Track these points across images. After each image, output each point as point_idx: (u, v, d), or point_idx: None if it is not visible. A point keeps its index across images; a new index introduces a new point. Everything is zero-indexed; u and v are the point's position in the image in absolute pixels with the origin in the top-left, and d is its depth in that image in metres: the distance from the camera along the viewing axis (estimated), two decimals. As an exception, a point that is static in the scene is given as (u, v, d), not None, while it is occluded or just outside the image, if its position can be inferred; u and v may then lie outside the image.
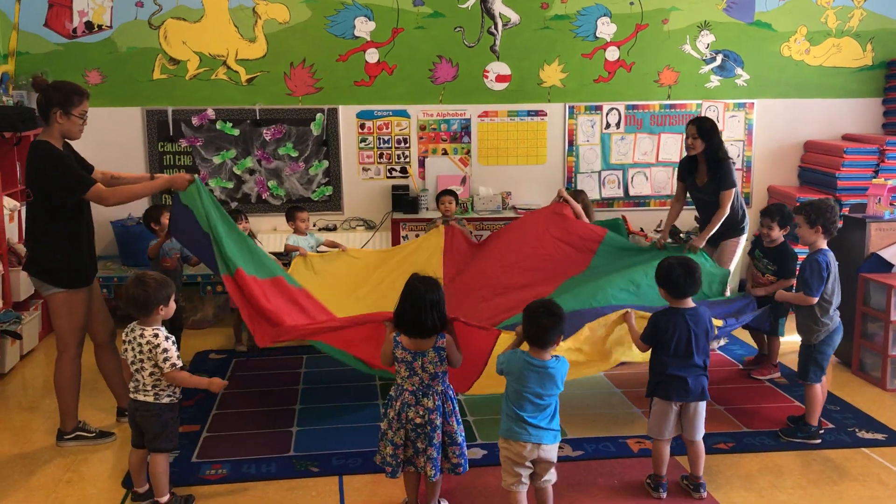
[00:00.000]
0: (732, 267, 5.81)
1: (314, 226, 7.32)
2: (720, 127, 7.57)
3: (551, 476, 3.58)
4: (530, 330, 3.50)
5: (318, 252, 6.23)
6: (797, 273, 4.70)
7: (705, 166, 5.72)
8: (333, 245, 6.32)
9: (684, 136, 5.80)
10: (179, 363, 3.77)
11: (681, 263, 3.94)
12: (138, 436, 3.85)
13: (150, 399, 3.77)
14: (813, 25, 7.60)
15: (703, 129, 5.64)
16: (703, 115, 5.77)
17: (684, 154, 5.91)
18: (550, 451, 3.52)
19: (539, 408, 3.48)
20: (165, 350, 3.72)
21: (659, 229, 6.81)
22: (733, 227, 5.73)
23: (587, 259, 5.82)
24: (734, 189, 5.61)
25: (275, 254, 6.13)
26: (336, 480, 4.13)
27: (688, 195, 5.99)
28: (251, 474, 4.19)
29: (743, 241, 5.86)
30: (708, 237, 5.62)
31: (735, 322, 4.76)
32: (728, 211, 5.58)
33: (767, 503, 3.90)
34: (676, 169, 6.17)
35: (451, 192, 6.69)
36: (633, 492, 4.01)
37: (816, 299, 4.47)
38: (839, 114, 7.77)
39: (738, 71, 7.62)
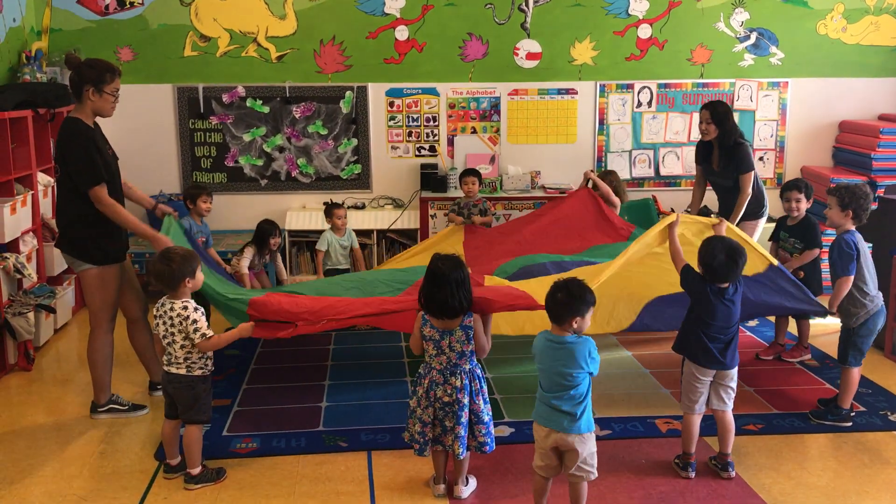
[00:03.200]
0: None
1: (343, 203, 7.34)
2: (753, 106, 7.51)
3: (580, 472, 3.42)
4: (547, 304, 3.45)
5: (344, 251, 6.37)
6: (828, 256, 4.59)
7: (718, 151, 5.68)
8: (358, 261, 6.47)
9: (698, 121, 5.74)
10: (210, 332, 3.82)
11: (727, 251, 3.81)
12: (172, 407, 3.92)
13: (183, 371, 3.82)
14: (850, 3, 7.45)
15: (717, 114, 5.57)
16: (720, 101, 5.73)
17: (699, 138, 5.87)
18: (571, 440, 3.38)
19: (563, 388, 3.39)
20: (195, 321, 3.77)
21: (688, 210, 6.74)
22: (752, 209, 5.67)
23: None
24: (753, 171, 5.57)
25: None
26: (365, 456, 4.16)
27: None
28: (281, 448, 4.23)
29: (762, 224, 5.80)
30: (735, 222, 5.56)
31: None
32: (749, 193, 5.55)
33: (796, 485, 3.88)
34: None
35: (475, 173, 6.65)
36: (661, 471, 4.00)
37: (852, 277, 4.40)
38: (875, 93, 7.63)
39: (773, 49, 7.50)
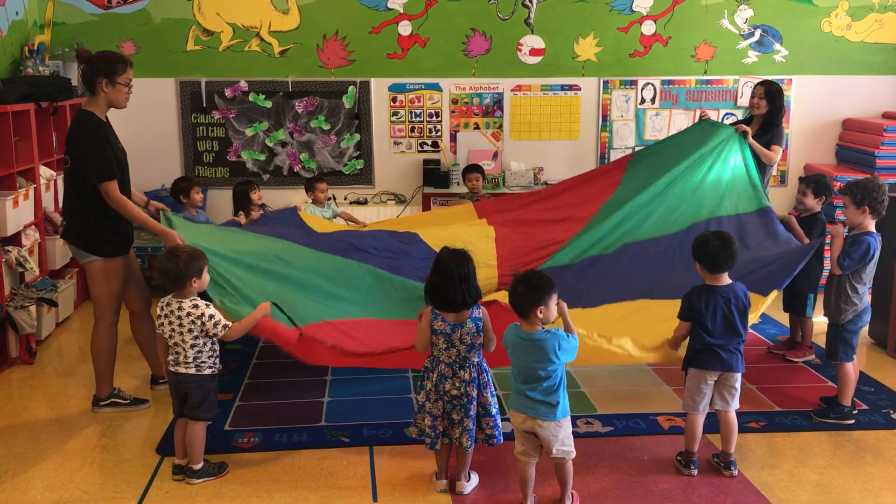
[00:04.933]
0: None
1: (345, 199, 7.35)
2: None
3: (560, 454, 3.50)
4: (511, 300, 3.53)
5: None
6: (844, 243, 4.54)
7: (759, 125, 5.75)
8: (349, 218, 6.34)
9: (750, 96, 5.81)
10: (228, 322, 3.81)
11: (717, 235, 3.90)
12: (180, 406, 3.90)
13: (192, 371, 3.81)
14: (855, 0, 7.43)
15: (770, 92, 5.71)
16: (776, 81, 5.86)
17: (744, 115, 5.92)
18: (547, 426, 3.46)
19: (536, 379, 3.47)
20: (212, 316, 3.76)
21: None
22: None
23: (618, 176, 5.84)
24: (781, 150, 5.66)
25: None
26: (366, 451, 4.16)
27: None
28: (283, 443, 4.23)
29: None
30: (753, 143, 5.50)
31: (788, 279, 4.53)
32: (775, 161, 5.66)
33: (798, 483, 3.88)
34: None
35: (479, 168, 6.65)
36: (664, 468, 4.00)
37: (840, 272, 4.40)
38: (880, 91, 7.61)
39: (777, 46, 7.49)
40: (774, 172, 7.62)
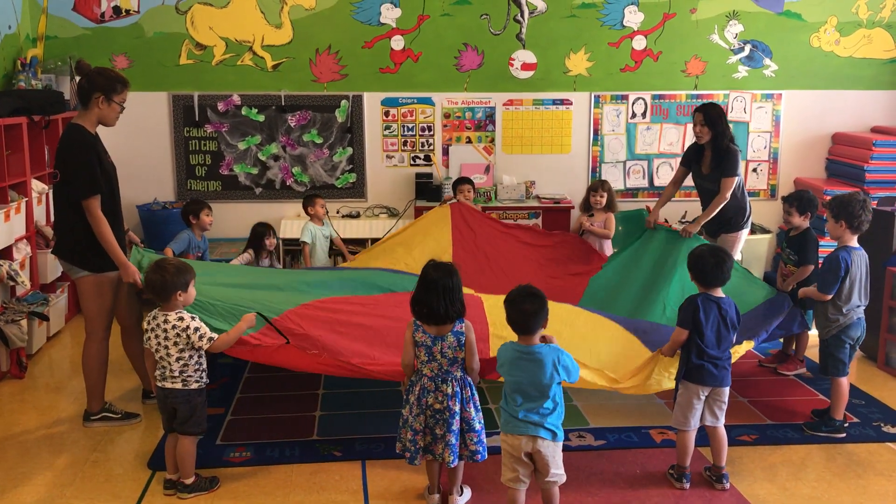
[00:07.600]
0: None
1: (337, 213, 7.35)
2: (747, 118, 7.56)
3: (554, 477, 3.46)
4: (515, 318, 3.43)
5: (326, 242, 6.39)
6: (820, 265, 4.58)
7: (711, 153, 5.62)
8: (339, 248, 6.43)
9: (692, 124, 5.73)
10: (213, 334, 3.80)
11: (712, 253, 3.91)
12: (169, 421, 3.89)
13: (179, 386, 3.80)
14: (843, 16, 7.50)
15: (709, 116, 5.54)
16: (714, 102, 5.76)
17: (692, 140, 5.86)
18: (547, 447, 3.39)
19: (533, 399, 3.38)
20: (197, 329, 3.75)
21: (683, 220, 6.77)
22: (734, 221, 5.61)
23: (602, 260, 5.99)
24: (736, 178, 5.50)
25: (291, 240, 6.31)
26: (359, 465, 4.15)
27: (688, 182, 5.96)
28: (275, 458, 4.22)
29: (743, 237, 5.72)
30: (704, 222, 5.53)
31: (765, 334, 4.65)
32: (727, 198, 5.46)
33: (790, 496, 3.88)
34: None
35: (469, 181, 6.67)
36: (656, 482, 4.00)
37: (829, 297, 4.40)
38: (868, 106, 7.69)
39: (767, 61, 7.55)
40: (764, 186, 7.68)
